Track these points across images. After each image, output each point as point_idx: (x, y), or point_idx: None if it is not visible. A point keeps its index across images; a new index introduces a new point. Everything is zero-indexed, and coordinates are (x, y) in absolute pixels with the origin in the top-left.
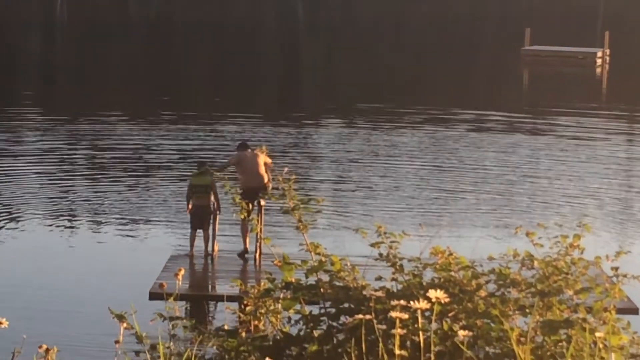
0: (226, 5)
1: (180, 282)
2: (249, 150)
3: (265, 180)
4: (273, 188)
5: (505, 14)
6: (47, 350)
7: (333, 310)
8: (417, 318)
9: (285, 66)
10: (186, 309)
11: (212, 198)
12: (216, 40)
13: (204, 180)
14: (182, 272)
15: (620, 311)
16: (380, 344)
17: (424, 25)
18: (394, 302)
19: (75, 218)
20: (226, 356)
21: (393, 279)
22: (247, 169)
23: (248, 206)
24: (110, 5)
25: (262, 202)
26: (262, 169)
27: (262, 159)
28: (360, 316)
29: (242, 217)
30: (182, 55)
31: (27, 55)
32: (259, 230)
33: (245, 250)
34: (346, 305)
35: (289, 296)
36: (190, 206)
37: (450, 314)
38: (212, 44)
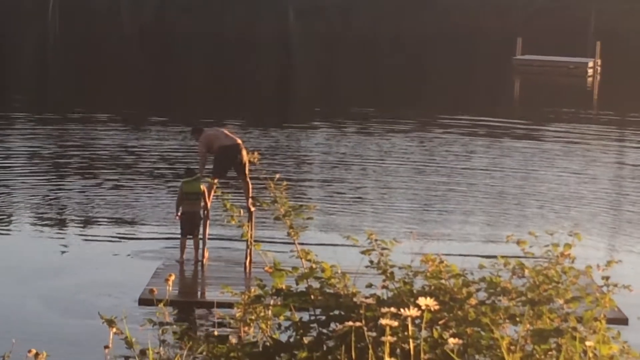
0: (220, 16)
1: (170, 288)
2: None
3: (239, 140)
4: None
5: (499, 24)
6: (37, 354)
7: (323, 317)
8: (407, 325)
9: (278, 71)
10: (176, 315)
11: (202, 204)
12: (208, 47)
13: (196, 188)
14: (173, 277)
15: (610, 321)
16: (370, 351)
17: (418, 36)
18: (384, 310)
19: (64, 222)
20: None
21: (383, 287)
22: (218, 137)
23: (222, 172)
24: (103, 14)
25: (252, 209)
26: (230, 133)
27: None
28: (351, 323)
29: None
30: (174, 60)
31: (17, 58)
32: (249, 236)
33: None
34: (336, 312)
35: (279, 303)
36: (180, 213)
37: (440, 322)
38: (204, 50)
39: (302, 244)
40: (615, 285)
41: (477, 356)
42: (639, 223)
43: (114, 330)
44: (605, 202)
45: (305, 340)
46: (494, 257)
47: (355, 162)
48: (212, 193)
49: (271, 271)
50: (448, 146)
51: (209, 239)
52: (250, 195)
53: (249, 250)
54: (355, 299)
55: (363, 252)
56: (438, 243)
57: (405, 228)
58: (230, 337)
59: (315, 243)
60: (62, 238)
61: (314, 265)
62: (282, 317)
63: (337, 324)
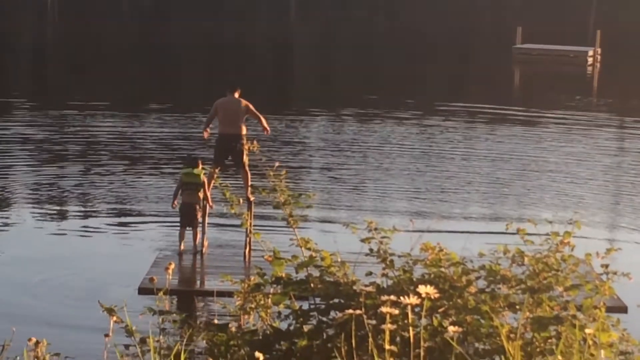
0: (220, 7)
1: (170, 277)
2: (235, 95)
3: (242, 131)
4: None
5: (498, 13)
6: (37, 343)
7: (323, 305)
8: (407, 314)
9: (277, 60)
10: (175, 304)
11: (202, 195)
12: (209, 34)
13: (195, 178)
14: (172, 266)
15: (610, 309)
16: (370, 339)
17: (418, 26)
18: (384, 298)
19: (63, 211)
20: (215, 350)
21: (383, 275)
22: (226, 115)
23: (221, 160)
24: (103, 5)
25: (252, 198)
26: (240, 119)
27: (244, 105)
28: (350, 311)
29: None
30: (174, 48)
31: (16, 47)
32: (248, 224)
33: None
34: (336, 300)
35: (279, 291)
36: (176, 202)
37: (440, 310)
38: (205, 36)
39: (302, 227)
40: (615, 273)
41: (476, 344)
42: (639, 211)
43: (114, 318)
44: (606, 189)
45: (305, 328)
46: (494, 245)
47: (355, 148)
48: (212, 183)
49: (271, 260)
50: (448, 133)
51: (208, 226)
52: (249, 184)
53: (248, 239)
54: (355, 287)
55: (363, 240)
56: (438, 230)
57: (405, 215)
58: (230, 325)
59: (314, 230)
60: (61, 227)
61: (313, 254)
62: (281, 306)
63: (337, 312)
